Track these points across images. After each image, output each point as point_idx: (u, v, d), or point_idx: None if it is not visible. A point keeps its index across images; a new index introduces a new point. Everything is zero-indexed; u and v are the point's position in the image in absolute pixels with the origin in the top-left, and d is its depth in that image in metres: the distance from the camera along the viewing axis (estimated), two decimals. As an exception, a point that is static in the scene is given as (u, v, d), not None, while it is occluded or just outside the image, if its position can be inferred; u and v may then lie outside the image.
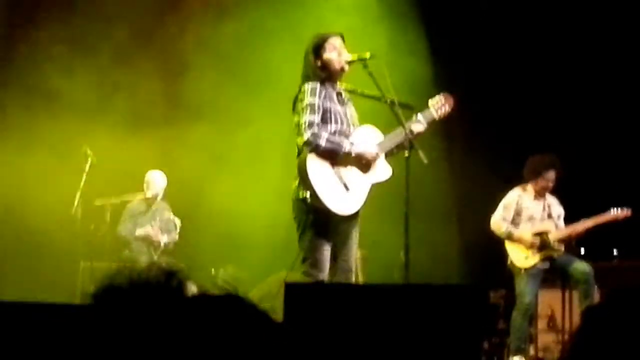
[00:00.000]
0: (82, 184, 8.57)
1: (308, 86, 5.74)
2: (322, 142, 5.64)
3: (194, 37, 9.44)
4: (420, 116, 5.92)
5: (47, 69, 8.98)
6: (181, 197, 9.38)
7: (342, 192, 5.70)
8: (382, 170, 5.92)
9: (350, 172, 5.77)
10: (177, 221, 9.04)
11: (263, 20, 9.34)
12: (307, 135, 5.62)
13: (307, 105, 5.67)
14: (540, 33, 9.82)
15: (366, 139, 5.87)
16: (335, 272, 5.76)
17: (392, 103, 5.77)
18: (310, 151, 5.64)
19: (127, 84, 9.28)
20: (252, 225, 9.22)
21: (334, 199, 5.64)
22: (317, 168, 5.65)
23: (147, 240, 9.00)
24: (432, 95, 6.14)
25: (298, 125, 5.71)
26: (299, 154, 5.75)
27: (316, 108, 5.68)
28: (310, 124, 5.64)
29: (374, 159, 5.83)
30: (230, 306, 1.19)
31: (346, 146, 5.71)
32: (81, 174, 8.60)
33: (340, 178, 5.70)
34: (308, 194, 5.61)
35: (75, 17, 9.31)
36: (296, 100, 5.79)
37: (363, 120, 6.08)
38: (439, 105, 6.03)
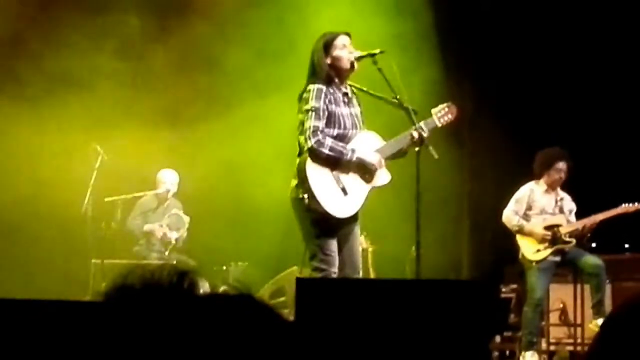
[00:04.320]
0: (92, 181, 8.58)
1: (314, 87, 5.76)
2: (326, 150, 5.68)
3: (209, 36, 9.40)
4: (422, 125, 5.92)
5: (59, 66, 8.97)
6: (193, 194, 9.38)
7: (340, 195, 5.74)
8: (382, 176, 5.94)
9: (350, 177, 5.80)
10: (186, 218, 9.04)
11: (281, 18, 9.31)
12: (311, 142, 5.67)
13: (312, 108, 5.70)
14: (549, 30, 9.79)
15: (367, 145, 5.89)
16: (343, 271, 5.77)
17: (401, 104, 5.80)
18: (314, 158, 5.69)
19: (141, 82, 9.28)
20: (264, 222, 9.22)
21: (331, 202, 5.70)
22: (317, 172, 5.71)
23: (152, 238, 9.00)
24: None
25: (302, 126, 5.75)
26: (300, 153, 5.80)
27: (321, 112, 5.71)
28: (315, 131, 5.68)
29: (376, 168, 5.86)
30: (242, 306, 1.19)
31: (348, 154, 5.74)
32: (92, 171, 8.62)
33: (339, 182, 5.75)
34: (306, 196, 5.66)
35: (92, 11, 9.30)
36: (301, 99, 5.82)
37: (367, 118, 6.10)
38: (442, 114, 6.04)
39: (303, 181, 5.69)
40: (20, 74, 8.95)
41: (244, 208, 9.44)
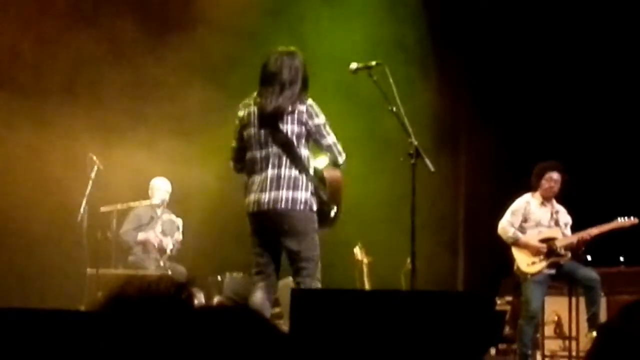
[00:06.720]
0: (88, 191, 8.57)
1: (314, 103, 5.63)
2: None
3: (208, 46, 9.39)
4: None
5: (57, 74, 8.97)
6: (188, 204, 9.37)
7: None
8: None
9: None
10: (179, 221, 9.05)
11: (284, 26, 9.32)
12: (345, 155, 5.70)
13: (326, 122, 5.63)
14: (545, 44, 9.82)
15: None
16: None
17: (397, 113, 5.79)
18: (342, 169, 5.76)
19: (142, 91, 9.27)
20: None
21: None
22: None
23: (148, 245, 8.98)
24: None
25: (323, 137, 5.61)
26: (305, 166, 5.64)
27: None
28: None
29: None
30: (238, 318, 1.20)
31: None
32: (87, 180, 8.61)
33: None
34: (335, 209, 5.69)
35: (91, 19, 9.31)
36: (296, 111, 5.57)
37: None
38: None
39: (338, 196, 5.72)
40: (18, 81, 8.95)
41: (239, 218, 9.41)
